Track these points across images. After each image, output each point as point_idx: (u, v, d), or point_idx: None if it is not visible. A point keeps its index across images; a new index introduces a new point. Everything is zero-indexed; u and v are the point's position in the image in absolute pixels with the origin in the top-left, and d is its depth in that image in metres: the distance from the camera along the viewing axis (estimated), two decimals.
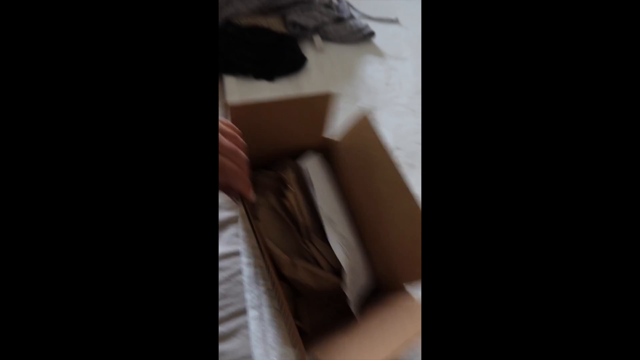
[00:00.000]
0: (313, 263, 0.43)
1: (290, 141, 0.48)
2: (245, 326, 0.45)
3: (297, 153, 0.51)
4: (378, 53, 0.87)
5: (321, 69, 0.77)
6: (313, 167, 0.49)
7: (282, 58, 0.71)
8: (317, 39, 0.81)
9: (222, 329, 0.44)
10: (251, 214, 0.39)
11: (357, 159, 0.46)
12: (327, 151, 0.52)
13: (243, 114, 0.40)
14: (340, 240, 0.44)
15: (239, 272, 0.47)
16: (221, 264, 0.47)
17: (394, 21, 0.98)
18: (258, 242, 0.34)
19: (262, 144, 0.45)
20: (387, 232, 0.43)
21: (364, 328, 0.37)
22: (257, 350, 0.43)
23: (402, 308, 0.37)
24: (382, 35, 0.90)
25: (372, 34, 0.88)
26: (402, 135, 0.72)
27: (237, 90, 0.66)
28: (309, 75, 0.75)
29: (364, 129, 0.44)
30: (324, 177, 0.50)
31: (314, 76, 0.75)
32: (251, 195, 0.35)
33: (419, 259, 0.39)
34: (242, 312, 0.46)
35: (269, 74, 0.70)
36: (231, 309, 0.45)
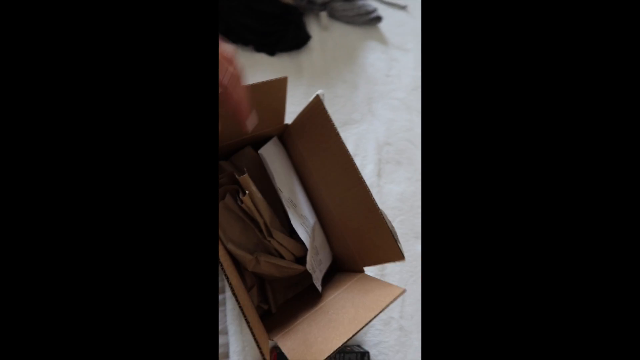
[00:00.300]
0: (276, 255, 0.45)
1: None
2: (222, 303, 0.47)
3: (258, 140, 0.50)
4: (382, 40, 0.85)
5: (323, 49, 0.75)
6: (269, 152, 0.48)
7: (286, 32, 0.68)
8: (323, 15, 0.78)
9: None
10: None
11: (310, 143, 0.45)
12: (284, 135, 0.52)
13: None
14: (302, 222, 0.46)
15: None
16: None
17: (403, 7, 0.95)
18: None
19: (219, 135, 0.43)
20: (343, 217, 0.45)
21: (323, 312, 0.39)
22: (232, 328, 0.45)
23: (362, 292, 0.40)
24: (389, 21, 0.87)
25: (379, 18, 0.85)
26: (394, 130, 0.73)
27: None
28: (310, 54, 0.72)
29: (317, 113, 0.43)
30: (282, 160, 0.50)
31: (315, 56, 0.73)
32: (252, 119, 0.35)
33: (376, 245, 0.41)
34: (221, 290, 0.47)
35: (271, 47, 0.67)
36: None
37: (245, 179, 0.41)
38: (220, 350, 0.45)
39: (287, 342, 0.35)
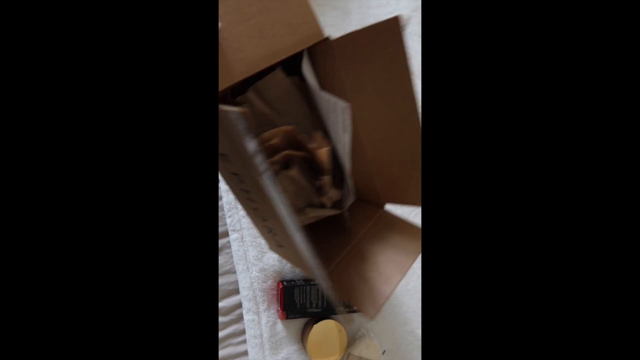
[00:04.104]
0: (317, 206, 0.42)
1: (275, 40, 0.35)
2: (227, 246, 0.49)
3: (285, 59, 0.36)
4: None
5: None
6: (309, 74, 0.38)
7: None
8: None
9: None
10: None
11: (362, 75, 0.36)
12: (315, 51, 0.39)
13: None
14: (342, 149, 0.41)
15: (221, 198, 0.49)
16: None
17: None
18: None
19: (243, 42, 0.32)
20: (375, 148, 0.40)
21: (359, 253, 0.40)
22: (239, 267, 0.48)
23: (393, 232, 0.40)
24: None
25: None
26: None
27: None
28: None
29: (386, 41, 0.32)
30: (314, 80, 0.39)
31: None
32: None
33: (404, 182, 0.39)
34: (225, 234, 0.49)
35: None
36: None
37: (325, 154, 0.33)
38: (230, 287, 0.48)
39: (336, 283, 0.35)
